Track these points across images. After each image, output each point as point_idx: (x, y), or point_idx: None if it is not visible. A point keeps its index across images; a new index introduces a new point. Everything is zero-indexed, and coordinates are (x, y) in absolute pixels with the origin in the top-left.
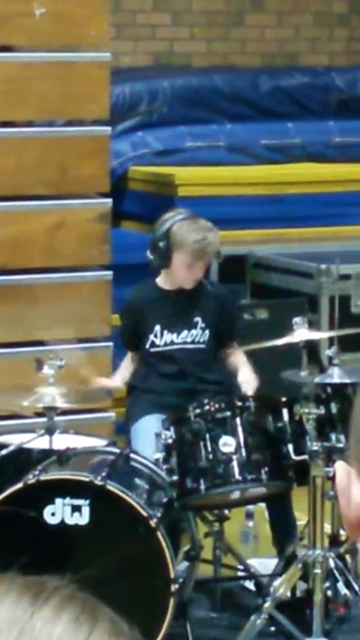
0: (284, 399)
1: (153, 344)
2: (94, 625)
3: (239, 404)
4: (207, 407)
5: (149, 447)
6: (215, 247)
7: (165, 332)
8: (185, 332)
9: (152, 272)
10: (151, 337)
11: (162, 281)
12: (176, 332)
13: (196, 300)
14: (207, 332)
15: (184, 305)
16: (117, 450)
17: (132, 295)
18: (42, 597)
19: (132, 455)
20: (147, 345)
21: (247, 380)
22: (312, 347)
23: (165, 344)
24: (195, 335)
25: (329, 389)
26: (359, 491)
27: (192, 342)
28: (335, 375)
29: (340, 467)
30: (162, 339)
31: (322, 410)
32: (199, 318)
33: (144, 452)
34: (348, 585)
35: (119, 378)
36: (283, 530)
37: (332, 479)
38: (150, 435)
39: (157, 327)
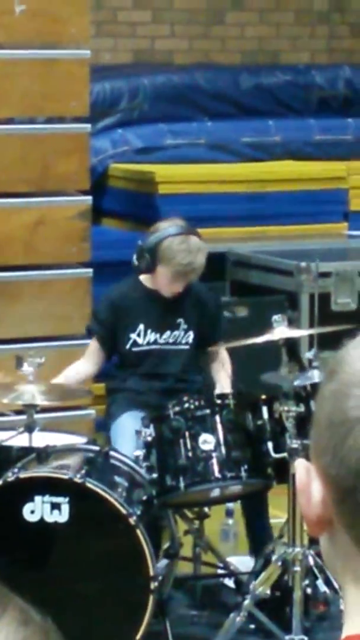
0: (263, 397)
1: (135, 343)
2: (2, 613)
3: (219, 401)
4: (186, 405)
5: (129, 445)
6: (200, 270)
7: (149, 331)
8: (168, 332)
9: (135, 271)
10: (133, 336)
11: (146, 280)
12: (159, 332)
13: (180, 302)
14: (190, 333)
15: (168, 306)
16: (96, 448)
17: (114, 293)
18: None
19: (112, 453)
20: (128, 345)
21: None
22: (291, 345)
23: (148, 343)
24: (177, 337)
25: (308, 387)
26: (318, 489)
27: (175, 342)
28: (315, 377)
29: (300, 465)
30: (145, 338)
31: (301, 408)
32: (182, 319)
33: (124, 449)
34: (328, 582)
35: (63, 380)
36: (259, 532)
37: None
38: (130, 433)
39: (141, 326)
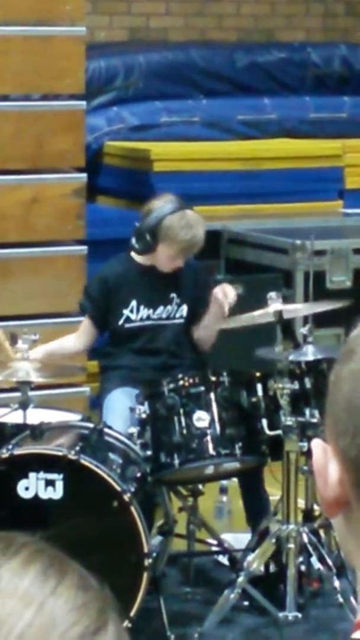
0: (258, 374)
1: (128, 319)
2: (61, 578)
3: (213, 379)
4: (181, 382)
5: (119, 421)
6: (201, 243)
7: (141, 307)
8: (161, 307)
9: (127, 248)
10: (126, 312)
11: (137, 256)
12: (152, 308)
13: (172, 276)
14: (183, 307)
15: (161, 281)
16: (91, 425)
17: (106, 270)
18: (10, 550)
19: (106, 430)
20: (121, 322)
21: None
22: (286, 323)
23: (142, 319)
24: (170, 311)
25: (303, 365)
26: (335, 470)
27: (168, 317)
28: (310, 353)
29: (316, 446)
30: (138, 314)
31: (296, 386)
32: (175, 294)
33: (115, 425)
34: (321, 560)
35: (41, 352)
36: (256, 506)
37: (306, 453)
38: (121, 409)
39: (134, 302)
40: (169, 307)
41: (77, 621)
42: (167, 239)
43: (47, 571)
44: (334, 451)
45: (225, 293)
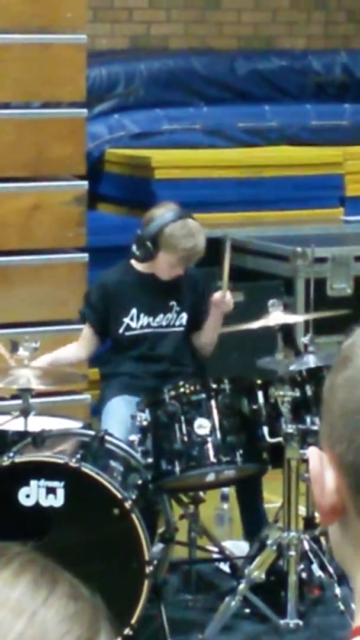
0: (259, 382)
1: (128, 328)
2: (52, 588)
3: (214, 386)
4: (182, 390)
5: (120, 428)
6: (202, 251)
7: (141, 315)
8: (161, 315)
9: (128, 255)
10: (126, 320)
11: (137, 264)
12: (152, 316)
13: (172, 284)
14: (183, 315)
15: (160, 289)
16: (92, 433)
17: (106, 278)
18: (2, 561)
19: (107, 437)
20: (122, 330)
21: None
22: (287, 330)
23: (142, 327)
24: (170, 319)
25: (304, 372)
26: (332, 477)
27: (168, 325)
28: (311, 362)
29: (313, 454)
30: (138, 322)
31: (297, 393)
32: (174, 302)
33: (116, 433)
34: (322, 567)
35: (44, 362)
36: (253, 518)
37: (307, 461)
38: (119, 417)
39: (134, 310)
40: (169, 315)
41: (68, 631)
42: (168, 247)
43: (39, 581)
44: (330, 458)
45: (223, 299)
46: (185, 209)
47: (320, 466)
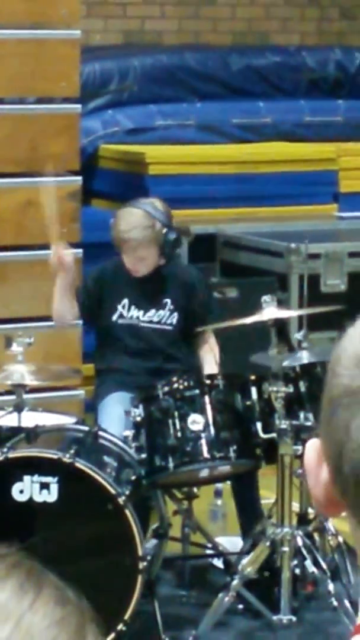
0: (252, 377)
1: (121, 315)
2: (38, 592)
3: (208, 382)
4: (175, 385)
5: (114, 425)
6: (139, 241)
7: (132, 307)
8: (152, 311)
9: None
10: (119, 308)
11: None
12: (143, 310)
13: (166, 283)
14: (175, 314)
15: (154, 286)
16: (85, 428)
17: (106, 266)
18: None
19: (101, 433)
20: (115, 317)
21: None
22: (281, 326)
23: (131, 318)
24: (162, 316)
25: (297, 368)
26: (326, 470)
27: (159, 322)
28: (304, 358)
29: (310, 446)
30: (128, 312)
31: (290, 389)
32: (168, 300)
33: (110, 428)
34: (316, 563)
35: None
36: (248, 512)
37: (301, 457)
38: (115, 413)
39: (125, 301)
40: (160, 312)
41: (55, 637)
42: (113, 237)
43: (24, 585)
44: (325, 451)
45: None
46: (178, 204)
47: (317, 458)
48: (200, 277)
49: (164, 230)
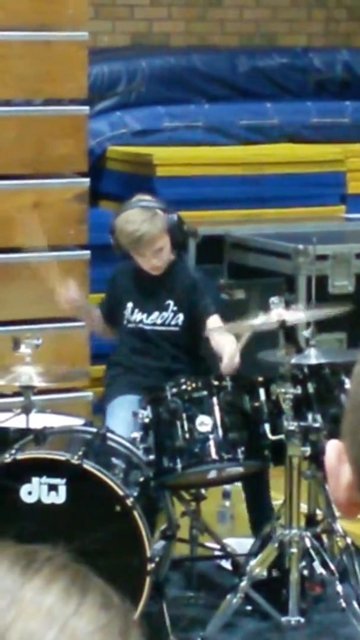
0: (260, 379)
1: (128, 320)
2: (84, 596)
3: (216, 383)
4: (184, 387)
5: (122, 427)
6: (148, 235)
7: (136, 310)
8: (155, 313)
9: None
10: (125, 312)
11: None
12: (146, 313)
13: (169, 284)
14: (180, 315)
15: (156, 287)
16: (94, 430)
17: (116, 269)
18: (33, 567)
19: (109, 435)
20: (124, 321)
21: (225, 363)
22: (289, 327)
23: (135, 322)
24: (166, 318)
25: (305, 369)
26: (348, 472)
27: (163, 324)
28: (312, 357)
29: (331, 446)
30: (132, 316)
31: (298, 390)
32: (171, 301)
33: (118, 430)
34: (324, 564)
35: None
36: (259, 511)
37: (309, 458)
38: (123, 415)
39: (130, 305)
40: (164, 314)
41: None
42: (120, 240)
43: (70, 589)
44: (346, 452)
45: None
46: (186, 206)
47: (337, 460)
48: (200, 274)
49: (166, 216)
